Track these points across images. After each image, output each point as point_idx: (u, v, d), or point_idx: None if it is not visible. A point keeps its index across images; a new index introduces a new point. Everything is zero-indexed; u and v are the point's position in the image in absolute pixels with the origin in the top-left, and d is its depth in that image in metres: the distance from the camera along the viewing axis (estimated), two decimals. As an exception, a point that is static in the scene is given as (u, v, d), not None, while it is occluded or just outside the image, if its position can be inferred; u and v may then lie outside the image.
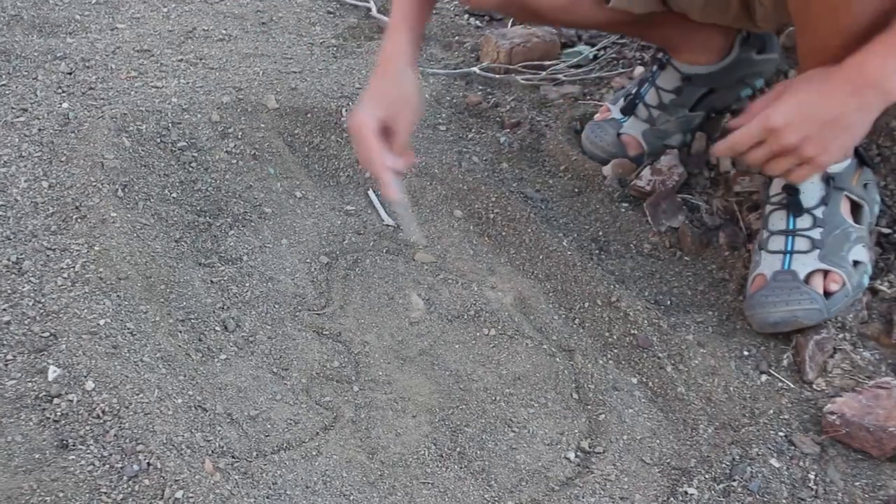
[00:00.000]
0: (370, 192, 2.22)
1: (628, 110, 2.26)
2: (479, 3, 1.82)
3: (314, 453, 1.62)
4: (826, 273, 1.79)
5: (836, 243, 1.81)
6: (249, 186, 2.15)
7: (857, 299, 1.84)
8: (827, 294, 1.78)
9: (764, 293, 1.80)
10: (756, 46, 2.18)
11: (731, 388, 1.76)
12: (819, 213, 1.83)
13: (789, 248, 1.82)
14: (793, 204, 1.85)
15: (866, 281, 1.84)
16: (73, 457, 1.48)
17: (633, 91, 2.28)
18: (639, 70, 2.58)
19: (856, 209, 1.87)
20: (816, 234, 1.82)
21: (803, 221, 1.83)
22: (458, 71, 2.66)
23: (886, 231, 1.97)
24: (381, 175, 1.76)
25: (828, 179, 1.84)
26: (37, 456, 1.48)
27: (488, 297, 1.95)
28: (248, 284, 1.93)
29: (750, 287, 1.86)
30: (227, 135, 2.23)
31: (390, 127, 1.80)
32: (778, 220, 1.87)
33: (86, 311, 1.71)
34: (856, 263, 1.82)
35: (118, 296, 1.76)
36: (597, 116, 2.35)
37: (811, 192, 1.84)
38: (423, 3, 1.90)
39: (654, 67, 2.25)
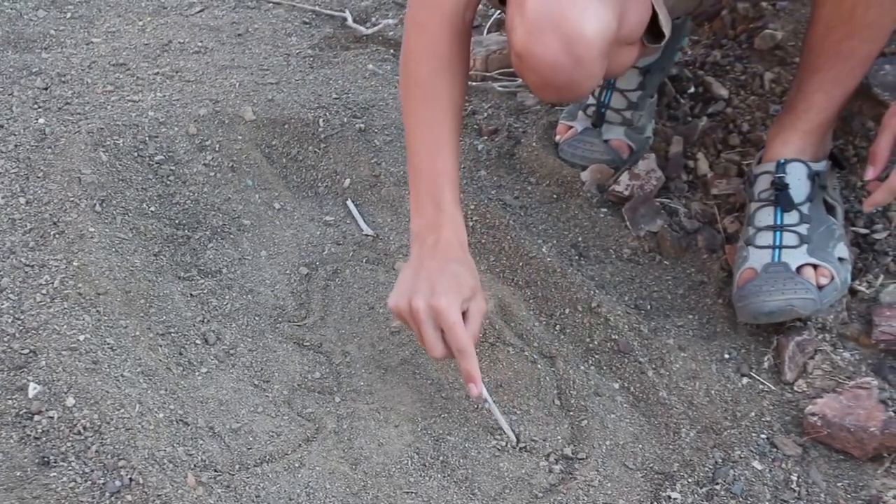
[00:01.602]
0: (349, 203, 2.22)
1: (598, 121, 2.27)
2: (584, 94, 1.77)
3: (297, 465, 1.61)
4: (815, 267, 1.80)
5: (822, 239, 1.82)
6: (228, 199, 2.15)
7: (843, 295, 1.84)
8: (818, 287, 1.79)
9: (757, 283, 1.79)
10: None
11: (713, 392, 1.77)
12: (805, 209, 1.84)
13: (778, 243, 1.83)
14: (782, 199, 1.85)
15: (849, 278, 1.85)
16: (55, 474, 1.48)
17: (591, 102, 2.29)
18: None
19: (829, 210, 1.89)
20: (804, 229, 1.83)
21: (791, 217, 1.84)
22: (434, 79, 2.65)
23: (864, 231, 1.98)
24: (475, 371, 1.64)
25: (813, 177, 1.86)
26: (18, 474, 1.47)
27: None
28: (227, 297, 1.93)
29: (738, 281, 1.86)
30: (204, 147, 2.23)
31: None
32: (765, 216, 1.87)
33: (65, 327, 1.70)
34: (840, 260, 1.83)
35: (97, 311, 1.76)
36: (560, 137, 2.34)
37: (799, 188, 1.85)
38: (458, 162, 1.82)
39: None
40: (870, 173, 1.74)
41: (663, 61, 2.26)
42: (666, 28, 1.78)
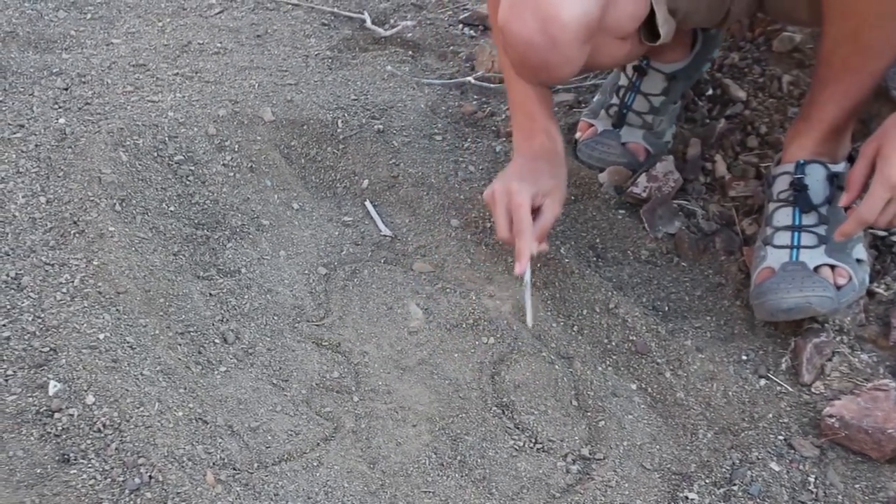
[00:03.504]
0: (367, 203, 2.23)
1: (619, 122, 2.27)
2: (560, 77, 1.80)
3: (315, 464, 1.62)
4: (833, 268, 1.80)
5: (840, 240, 1.82)
6: (247, 199, 2.16)
7: (861, 296, 1.84)
8: (835, 287, 1.78)
9: (775, 280, 1.79)
10: None
11: (730, 393, 1.77)
12: (824, 210, 1.84)
13: (796, 243, 1.83)
14: (801, 200, 1.86)
15: (867, 280, 1.85)
16: (75, 471, 1.48)
17: (615, 102, 2.29)
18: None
19: (847, 211, 1.88)
20: (822, 230, 1.83)
21: (809, 218, 1.84)
22: (453, 81, 2.66)
23: (882, 234, 1.97)
24: (524, 252, 1.81)
25: (832, 178, 1.86)
26: (38, 471, 1.48)
27: (487, 306, 1.95)
28: (246, 297, 1.93)
29: (756, 279, 1.86)
30: (223, 148, 2.23)
31: (536, 208, 1.87)
32: (784, 216, 1.87)
33: (85, 325, 1.71)
34: (858, 261, 1.83)
35: (117, 310, 1.77)
36: (581, 135, 2.34)
37: (818, 189, 1.85)
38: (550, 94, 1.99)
39: (634, 75, 2.25)
40: (843, 200, 1.77)
41: (690, 70, 2.26)
42: (663, 28, 1.79)
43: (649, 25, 1.84)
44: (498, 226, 1.84)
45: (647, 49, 1.97)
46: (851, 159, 1.93)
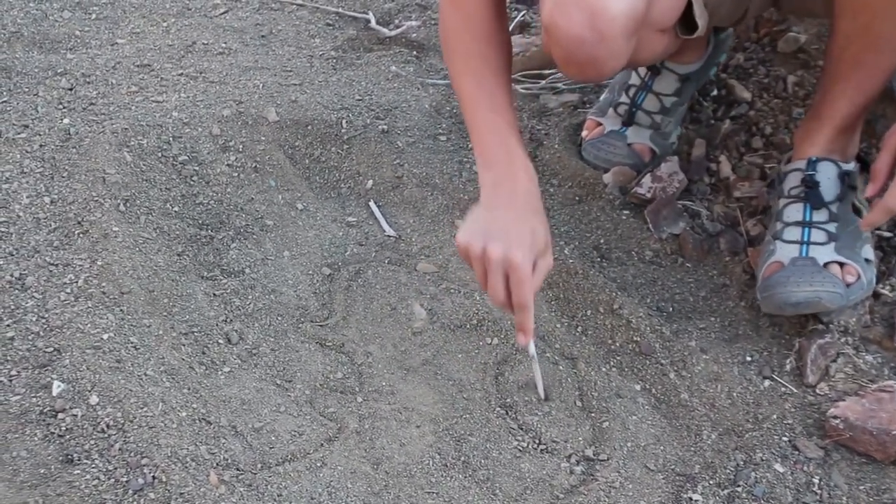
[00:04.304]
0: (371, 204, 2.23)
1: (629, 121, 2.26)
2: (606, 72, 1.77)
3: (319, 465, 1.62)
4: (842, 265, 1.80)
5: (850, 238, 1.82)
6: (251, 199, 2.16)
7: (868, 296, 1.84)
8: (845, 284, 1.78)
9: (784, 274, 1.79)
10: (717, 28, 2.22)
11: (735, 394, 1.76)
12: (835, 208, 1.84)
13: (806, 239, 1.83)
14: (812, 196, 1.85)
15: (875, 280, 1.84)
16: (79, 471, 1.48)
17: (625, 101, 2.29)
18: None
19: (855, 212, 1.88)
20: (832, 227, 1.83)
21: (820, 215, 1.84)
22: (457, 81, 2.66)
23: (887, 235, 1.97)
24: (529, 324, 1.65)
25: (843, 176, 1.86)
26: (42, 471, 1.48)
27: (490, 307, 1.95)
28: (250, 297, 1.93)
29: (764, 272, 1.86)
30: (227, 148, 2.23)
31: None
32: (794, 212, 1.87)
33: (89, 325, 1.71)
34: (867, 261, 1.83)
35: (121, 310, 1.77)
36: (587, 133, 2.34)
37: (829, 187, 1.85)
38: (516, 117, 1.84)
39: (647, 74, 2.25)
40: (870, 190, 1.75)
41: (702, 72, 2.26)
42: (700, 20, 1.78)
43: (684, 19, 1.83)
44: (495, 293, 1.65)
45: (681, 44, 1.96)
46: (860, 159, 1.93)
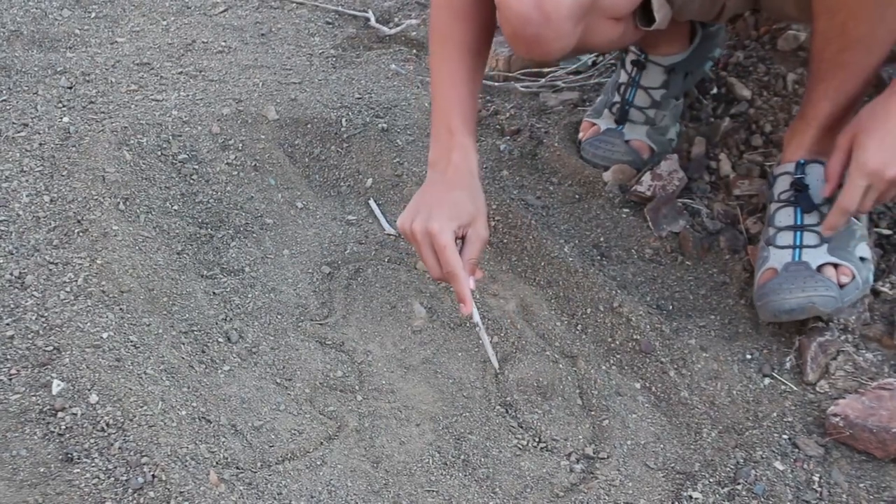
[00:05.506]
0: (371, 202, 2.23)
1: (622, 118, 2.27)
2: (552, 52, 1.81)
3: (318, 463, 1.62)
4: (836, 266, 1.79)
5: (843, 239, 1.82)
6: (250, 198, 2.16)
7: (865, 295, 1.84)
8: (839, 286, 1.78)
9: (778, 281, 1.79)
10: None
11: (735, 392, 1.76)
12: (826, 210, 1.83)
13: (798, 243, 1.83)
14: (802, 200, 1.86)
15: (871, 278, 1.84)
16: (78, 470, 1.48)
17: (616, 99, 2.30)
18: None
19: None
20: None
21: (811, 217, 1.84)
22: (457, 79, 2.66)
23: (887, 232, 1.97)
24: (465, 292, 1.72)
25: None
26: (42, 470, 1.48)
27: (490, 305, 1.95)
28: (250, 295, 1.93)
29: (759, 280, 1.86)
30: (227, 146, 2.23)
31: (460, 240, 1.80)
32: (785, 216, 1.87)
33: (89, 324, 1.71)
34: (862, 259, 1.82)
35: (121, 309, 1.77)
36: (583, 134, 2.35)
37: (819, 189, 1.85)
38: (475, 100, 1.92)
39: (633, 70, 2.26)
40: (824, 191, 1.80)
41: (689, 64, 2.26)
42: (658, 13, 1.82)
43: (644, 10, 1.86)
44: (429, 268, 1.76)
45: (642, 34, 1.97)
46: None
